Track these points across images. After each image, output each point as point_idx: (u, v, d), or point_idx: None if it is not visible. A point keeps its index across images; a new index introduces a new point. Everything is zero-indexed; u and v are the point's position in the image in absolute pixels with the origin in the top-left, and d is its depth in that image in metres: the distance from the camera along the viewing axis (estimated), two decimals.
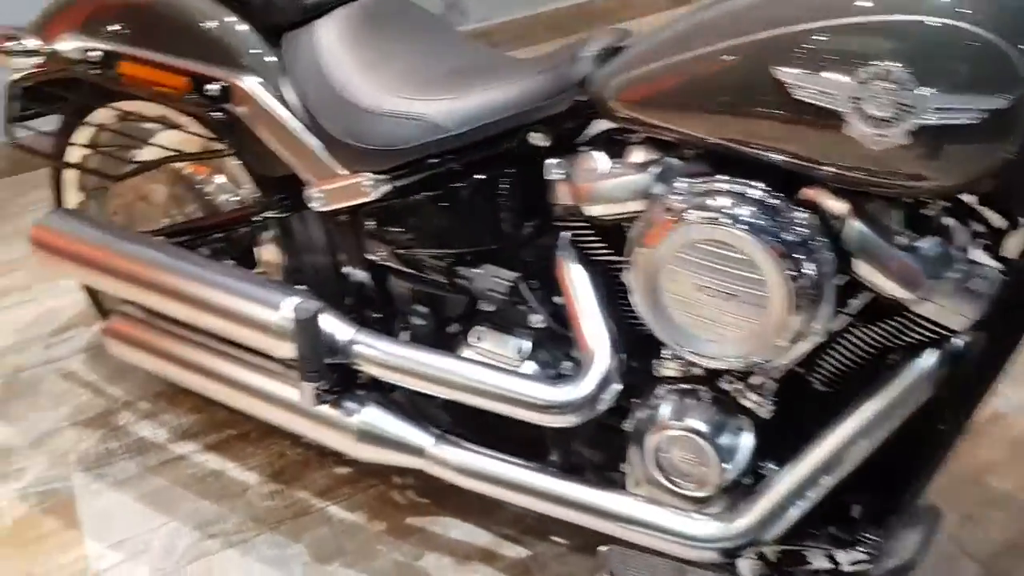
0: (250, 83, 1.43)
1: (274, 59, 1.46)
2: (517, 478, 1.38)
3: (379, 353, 1.39)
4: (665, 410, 1.28)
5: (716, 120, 1.11)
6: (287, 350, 1.42)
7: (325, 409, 1.43)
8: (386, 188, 1.39)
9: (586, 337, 1.29)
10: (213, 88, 1.44)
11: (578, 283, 1.31)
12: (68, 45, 1.54)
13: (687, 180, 1.15)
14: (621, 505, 1.32)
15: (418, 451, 1.43)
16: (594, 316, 1.29)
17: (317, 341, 1.36)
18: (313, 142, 1.41)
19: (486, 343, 1.42)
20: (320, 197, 1.44)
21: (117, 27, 1.52)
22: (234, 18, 1.47)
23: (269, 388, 1.51)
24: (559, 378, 1.34)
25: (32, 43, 1.55)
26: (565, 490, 1.36)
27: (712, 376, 1.27)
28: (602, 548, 1.33)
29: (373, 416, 1.44)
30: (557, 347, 1.41)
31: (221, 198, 1.67)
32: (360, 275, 1.53)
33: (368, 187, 1.39)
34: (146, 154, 1.69)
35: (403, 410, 1.46)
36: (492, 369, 1.36)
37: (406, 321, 1.51)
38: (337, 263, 1.55)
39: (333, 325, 1.39)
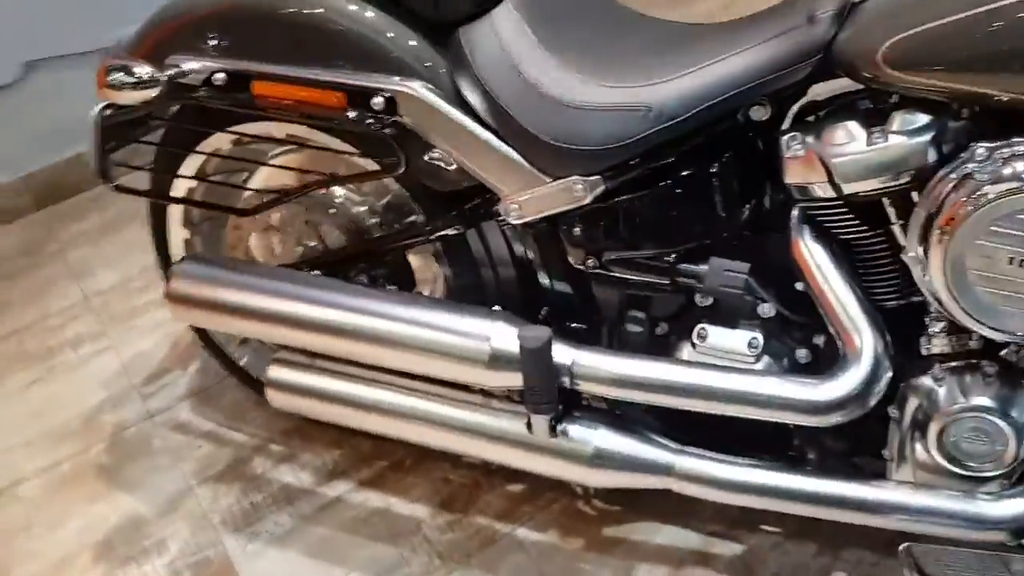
0: (420, 89, 1.26)
1: (442, 60, 1.29)
2: (778, 484, 1.28)
3: (608, 370, 1.27)
4: (947, 391, 1.19)
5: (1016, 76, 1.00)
6: (502, 380, 1.29)
7: (552, 439, 1.31)
8: (599, 190, 1.25)
9: (845, 322, 1.19)
10: (378, 101, 1.26)
11: (823, 265, 1.20)
12: (187, 68, 1.33)
13: (985, 145, 1.05)
14: (904, 496, 1.23)
15: (665, 469, 1.32)
16: (849, 298, 1.19)
17: (549, 369, 1.23)
18: (505, 148, 1.26)
19: (713, 340, 1.30)
20: (517, 208, 1.29)
21: (245, 43, 1.32)
22: (388, 19, 1.29)
23: (484, 423, 1.37)
24: (819, 373, 1.23)
25: (144, 71, 1.32)
26: (835, 490, 1.26)
27: (993, 348, 1.18)
28: (904, 545, 1.24)
29: (607, 439, 1.32)
30: (789, 336, 1.31)
31: (370, 221, 1.49)
32: (561, 286, 1.38)
33: (580, 192, 1.25)
34: (261, 180, 1.51)
35: (634, 428, 1.34)
36: (740, 373, 1.26)
37: (614, 329, 1.38)
38: (525, 276, 1.41)
39: (555, 348, 1.26)
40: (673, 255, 1.30)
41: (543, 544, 1.57)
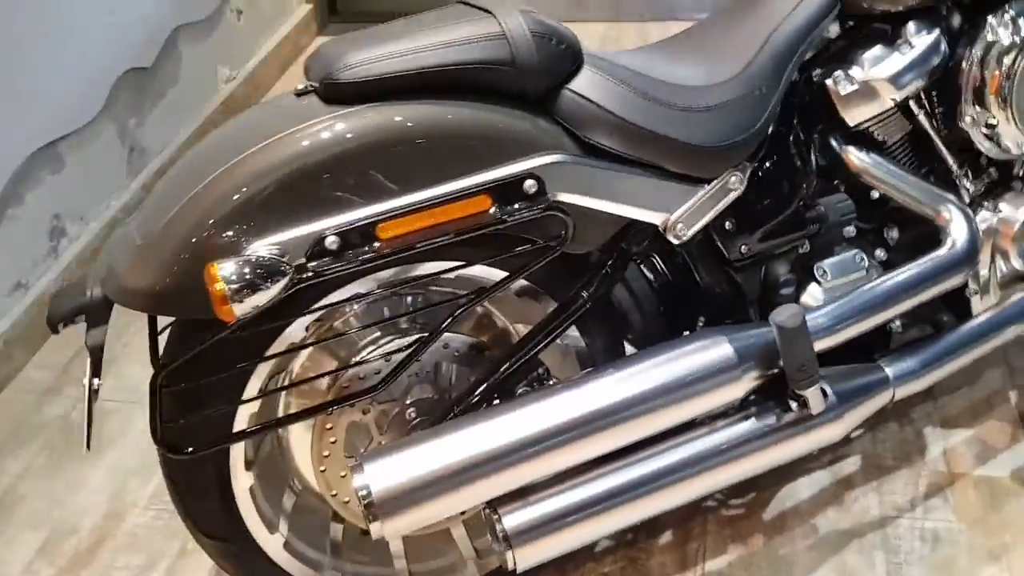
0: (563, 157, 1.18)
1: (555, 125, 1.20)
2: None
3: (833, 320, 1.32)
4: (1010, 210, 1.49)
5: None
6: (754, 379, 1.26)
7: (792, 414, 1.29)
8: (748, 174, 1.31)
9: (927, 204, 1.41)
10: (530, 184, 1.14)
11: (889, 168, 1.43)
12: (293, 242, 1.07)
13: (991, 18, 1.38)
14: None
15: (883, 383, 1.39)
16: (921, 185, 1.43)
17: (808, 342, 1.25)
18: (662, 172, 1.26)
19: (833, 272, 1.44)
20: (681, 227, 1.28)
21: (343, 192, 1.10)
22: (486, 107, 1.16)
23: (747, 431, 1.29)
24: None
25: (265, 259, 1.05)
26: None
27: None
28: None
29: (833, 386, 1.32)
30: (871, 242, 1.50)
31: (516, 326, 1.37)
32: (716, 287, 1.41)
33: (736, 183, 1.30)
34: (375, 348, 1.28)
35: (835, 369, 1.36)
36: (896, 275, 1.36)
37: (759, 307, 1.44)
38: (672, 298, 1.41)
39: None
40: (802, 205, 1.40)
41: None
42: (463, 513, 1.30)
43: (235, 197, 1.08)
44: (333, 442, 1.30)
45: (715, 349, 1.24)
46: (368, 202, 1.10)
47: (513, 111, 1.17)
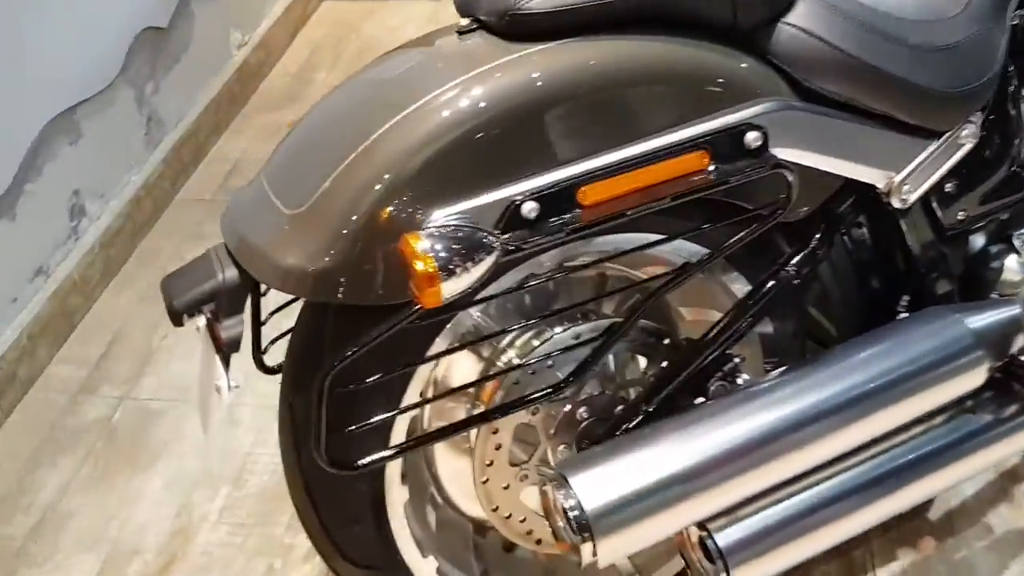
0: (780, 107, 0.98)
1: (770, 69, 1.00)
2: None
3: None
4: None
5: None
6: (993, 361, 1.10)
7: None
8: (979, 125, 1.12)
9: None
10: (753, 136, 0.95)
11: None
12: (482, 210, 0.88)
13: None
14: None
15: None
16: None
17: None
18: (894, 124, 1.06)
19: None
20: (907, 188, 1.09)
21: (547, 144, 0.91)
22: (695, 43, 0.97)
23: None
24: None
25: (484, 258, 0.86)
26: None
27: None
28: None
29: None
30: None
31: (699, 312, 1.18)
32: (928, 259, 1.20)
33: (968, 137, 1.11)
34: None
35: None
36: None
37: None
38: (879, 271, 1.22)
39: None
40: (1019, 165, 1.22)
41: None
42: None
43: (417, 157, 0.88)
44: (498, 448, 1.10)
45: (951, 329, 1.08)
46: (565, 162, 0.91)
47: (725, 48, 0.98)
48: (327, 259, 0.88)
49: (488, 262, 0.86)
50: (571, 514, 0.94)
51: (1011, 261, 1.27)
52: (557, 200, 0.90)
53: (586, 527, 0.93)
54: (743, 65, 0.99)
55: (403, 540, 1.09)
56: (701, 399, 1.09)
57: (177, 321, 0.95)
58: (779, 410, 1.02)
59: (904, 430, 1.10)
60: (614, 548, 0.96)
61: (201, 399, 1.03)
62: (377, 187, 0.88)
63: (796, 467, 1.03)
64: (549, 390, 1.02)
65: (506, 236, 0.88)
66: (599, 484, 0.96)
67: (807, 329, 1.22)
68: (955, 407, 1.13)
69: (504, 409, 1.03)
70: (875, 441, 1.09)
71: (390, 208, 0.87)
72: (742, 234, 1.02)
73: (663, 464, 0.98)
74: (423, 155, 0.88)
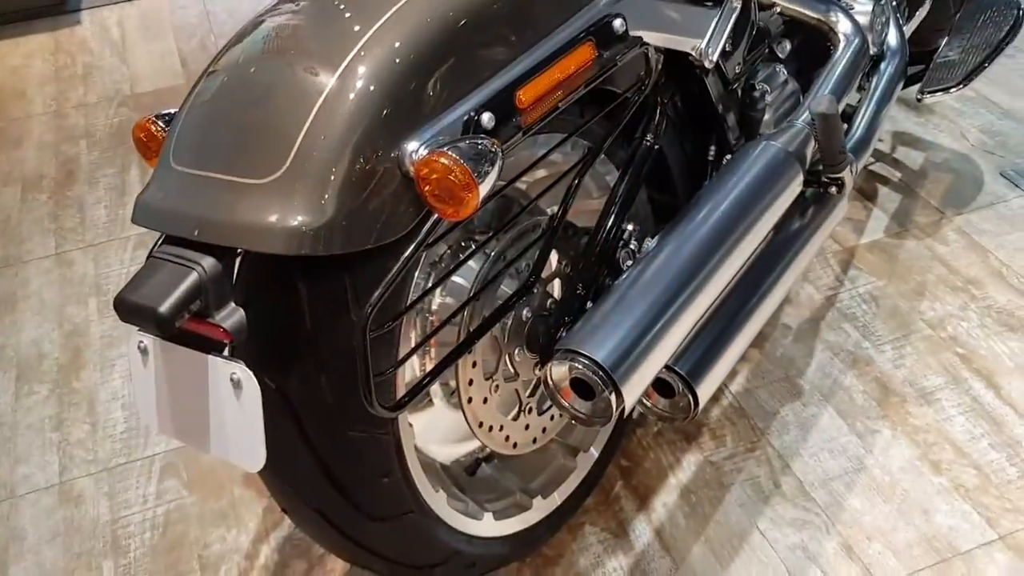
0: None
1: None
2: None
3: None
4: None
5: None
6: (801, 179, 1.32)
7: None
8: None
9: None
10: (619, 23, 1.13)
11: None
12: (448, 128, 0.96)
13: None
14: None
15: None
16: None
17: (841, 126, 1.33)
18: (684, 5, 1.28)
19: (771, 85, 1.55)
20: (711, 47, 1.31)
21: (486, 51, 1.01)
22: None
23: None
24: None
25: (495, 162, 0.94)
26: None
27: None
28: None
29: None
30: None
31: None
32: (730, 101, 1.45)
33: (736, 1, 1.34)
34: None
35: None
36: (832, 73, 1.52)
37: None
38: (709, 111, 1.43)
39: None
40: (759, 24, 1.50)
41: None
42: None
43: (381, 95, 0.93)
44: (475, 366, 1.17)
45: (772, 153, 1.32)
46: (494, 73, 1.02)
47: None
48: (339, 209, 0.89)
49: (499, 162, 0.93)
50: (589, 373, 1.04)
51: (766, 104, 1.57)
52: (504, 106, 1.00)
53: (607, 376, 1.04)
54: None
55: (421, 481, 1.12)
56: (620, 270, 1.25)
57: (170, 328, 0.90)
58: (698, 246, 1.18)
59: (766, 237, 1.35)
60: (633, 388, 1.08)
61: (184, 420, 0.97)
62: (357, 129, 0.90)
63: (714, 290, 1.23)
64: (521, 291, 1.12)
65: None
66: (597, 341, 1.07)
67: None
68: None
69: (497, 318, 1.11)
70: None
71: (375, 144, 0.91)
72: (624, 115, 1.19)
73: (633, 309, 1.10)
74: (387, 92, 0.92)
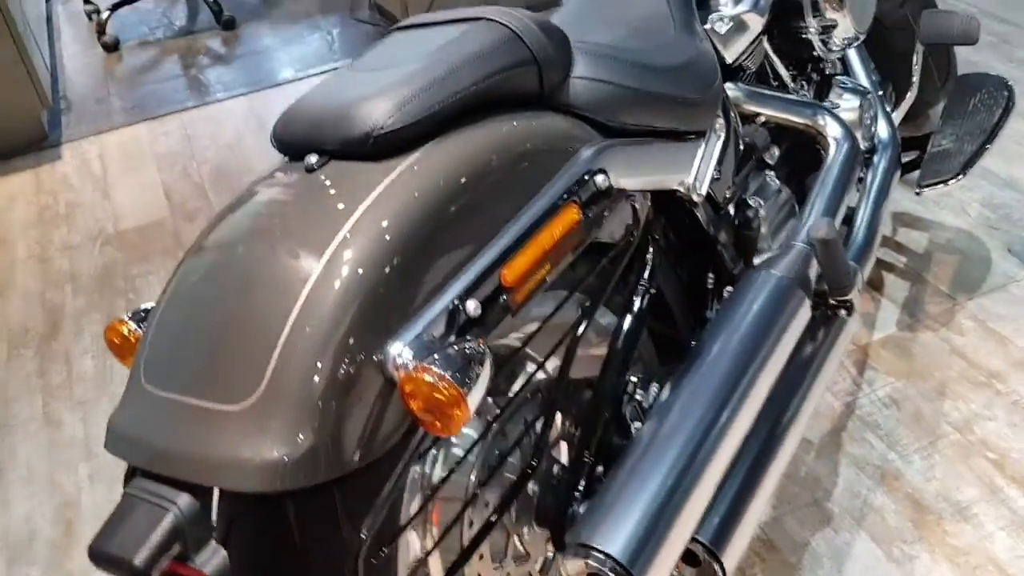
0: (605, 146, 1.09)
1: (574, 114, 1.11)
2: None
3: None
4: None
5: None
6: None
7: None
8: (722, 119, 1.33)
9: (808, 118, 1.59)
10: (600, 179, 1.06)
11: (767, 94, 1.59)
12: (433, 327, 0.89)
13: None
14: None
15: None
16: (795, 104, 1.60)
17: (842, 249, 1.29)
18: (668, 143, 1.25)
19: (763, 197, 1.51)
20: (699, 180, 1.28)
21: (455, 244, 0.94)
22: (524, 113, 1.06)
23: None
24: None
25: (484, 363, 0.87)
26: None
27: None
28: None
29: None
30: None
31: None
32: (723, 227, 1.42)
33: (720, 128, 1.33)
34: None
35: None
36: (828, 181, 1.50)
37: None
38: (703, 242, 1.40)
39: None
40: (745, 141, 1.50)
41: None
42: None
43: (358, 303, 0.85)
44: (481, 558, 1.09)
45: (776, 287, 1.26)
46: (473, 255, 0.95)
47: (545, 113, 1.08)
48: (321, 434, 0.82)
49: (487, 364, 0.86)
50: (605, 570, 0.97)
51: (760, 219, 1.52)
52: (489, 289, 0.93)
53: (625, 571, 0.97)
54: (564, 122, 1.08)
55: None
56: (628, 428, 1.18)
57: None
58: (701, 407, 1.12)
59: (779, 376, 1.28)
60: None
61: None
62: (338, 336, 0.84)
63: (731, 448, 1.15)
64: (527, 471, 1.05)
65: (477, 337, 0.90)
66: (611, 531, 0.99)
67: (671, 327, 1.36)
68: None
69: (497, 513, 1.03)
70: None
71: (357, 352, 0.85)
72: (619, 267, 1.13)
73: (648, 486, 1.04)
74: (363, 299, 0.86)
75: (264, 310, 0.86)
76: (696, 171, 1.28)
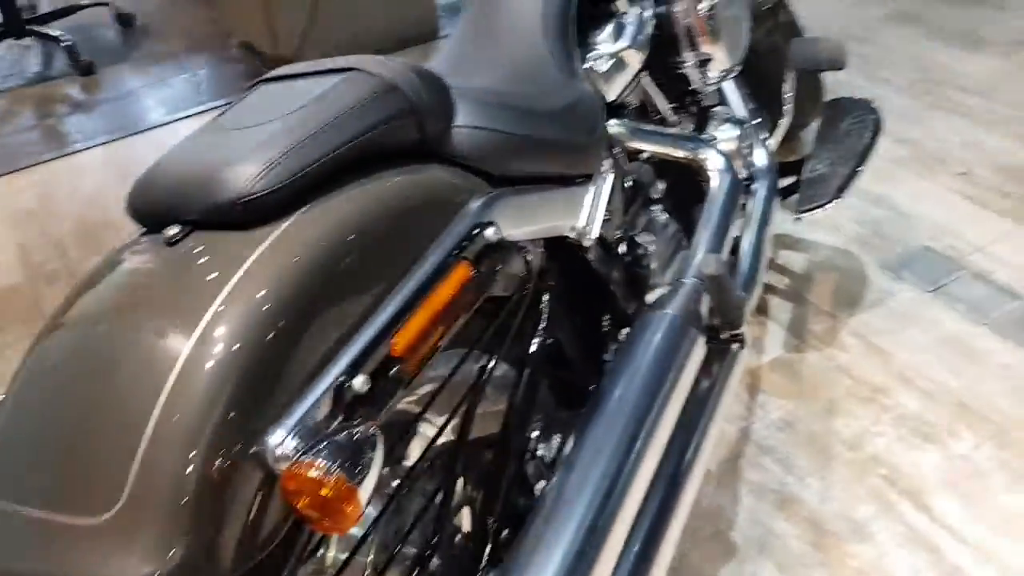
0: (492, 197, 1.06)
1: (456, 164, 1.07)
2: None
3: None
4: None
5: None
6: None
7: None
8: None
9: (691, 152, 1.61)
10: (491, 232, 1.01)
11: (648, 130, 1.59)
12: (317, 409, 0.82)
13: None
14: None
15: None
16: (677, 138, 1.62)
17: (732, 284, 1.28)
18: (556, 189, 1.22)
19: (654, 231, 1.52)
20: (588, 224, 1.26)
21: (336, 318, 0.86)
22: (406, 167, 1.00)
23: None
24: None
25: (375, 447, 0.80)
26: None
27: None
28: None
29: None
30: None
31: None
32: (614, 267, 1.41)
33: (607, 170, 1.32)
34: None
35: None
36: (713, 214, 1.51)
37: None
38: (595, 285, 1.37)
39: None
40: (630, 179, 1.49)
41: None
42: None
43: (228, 392, 0.77)
44: None
45: (670, 327, 1.24)
46: (357, 326, 0.88)
47: (427, 165, 1.02)
48: (195, 542, 0.74)
49: (379, 450, 0.80)
50: None
51: (651, 256, 1.51)
52: (378, 361, 0.86)
53: None
54: (447, 175, 1.03)
55: None
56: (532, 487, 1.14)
57: None
58: (604, 456, 1.09)
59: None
60: None
61: None
62: (209, 429, 0.76)
63: (638, 496, 1.12)
64: (427, 548, 0.99)
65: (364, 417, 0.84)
66: None
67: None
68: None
69: None
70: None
71: (232, 446, 0.77)
72: (515, 319, 1.09)
73: (557, 546, 0.99)
74: (238, 382, 0.78)
75: (126, 400, 0.78)
76: (587, 215, 1.25)
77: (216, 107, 3.19)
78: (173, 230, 0.87)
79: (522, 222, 1.12)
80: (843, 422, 1.74)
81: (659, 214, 1.54)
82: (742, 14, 1.66)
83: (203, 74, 3.49)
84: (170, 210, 0.88)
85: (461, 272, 0.98)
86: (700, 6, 1.54)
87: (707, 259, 1.27)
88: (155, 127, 3.15)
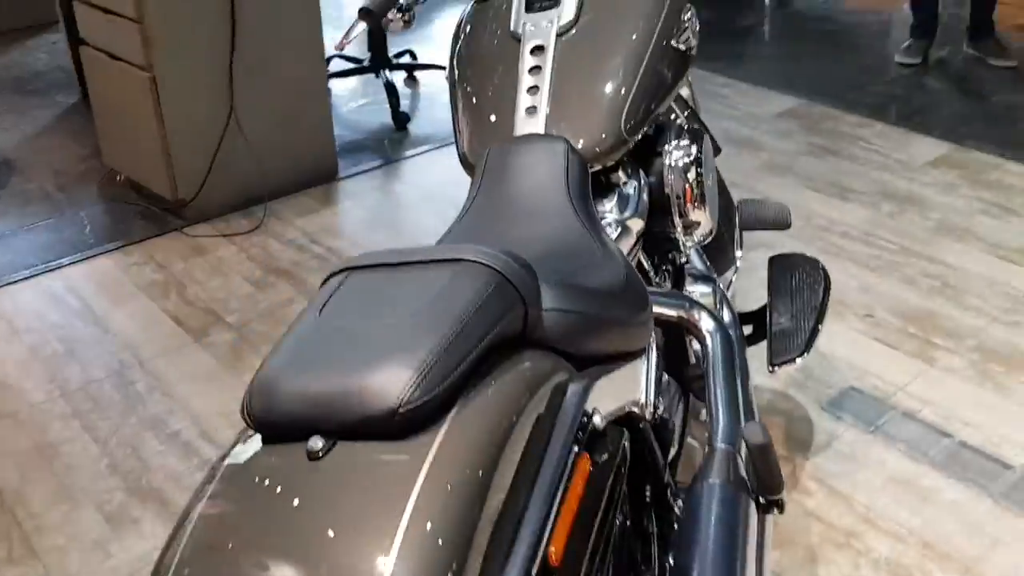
0: (589, 383, 1.05)
1: (548, 349, 1.06)
2: None
3: None
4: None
5: None
6: None
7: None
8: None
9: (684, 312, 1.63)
10: (599, 420, 1.04)
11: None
12: None
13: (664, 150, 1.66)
14: None
15: None
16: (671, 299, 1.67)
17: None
18: (625, 366, 1.21)
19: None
20: (648, 398, 1.27)
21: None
22: (515, 359, 0.99)
23: None
24: None
25: None
26: None
27: None
28: None
29: None
30: None
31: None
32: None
33: (654, 342, 1.35)
34: None
35: None
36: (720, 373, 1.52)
37: None
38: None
39: None
40: None
41: None
42: None
43: None
44: None
45: (723, 496, 1.26)
46: (512, 543, 0.85)
47: (526, 352, 0.99)
48: None
49: None
50: None
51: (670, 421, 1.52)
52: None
53: None
54: (546, 362, 1.01)
55: None
56: None
57: None
58: None
59: None
60: None
61: None
62: None
63: None
64: None
65: None
66: None
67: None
68: None
69: None
70: None
71: None
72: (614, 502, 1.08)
73: None
74: None
75: None
76: (645, 387, 1.26)
77: (105, 251, 3.01)
78: (318, 444, 0.81)
79: (608, 403, 1.11)
80: (826, 570, 1.78)
81: (665, 380, 1.57)
82: (716, 178, 1.76)
83: (85, 215, 3.29)
84: (305, 421, 0.82)
85: (583, 467, 0.97)
86: (688, 175, 1.62)
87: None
88: (37, 275, 2.92)
